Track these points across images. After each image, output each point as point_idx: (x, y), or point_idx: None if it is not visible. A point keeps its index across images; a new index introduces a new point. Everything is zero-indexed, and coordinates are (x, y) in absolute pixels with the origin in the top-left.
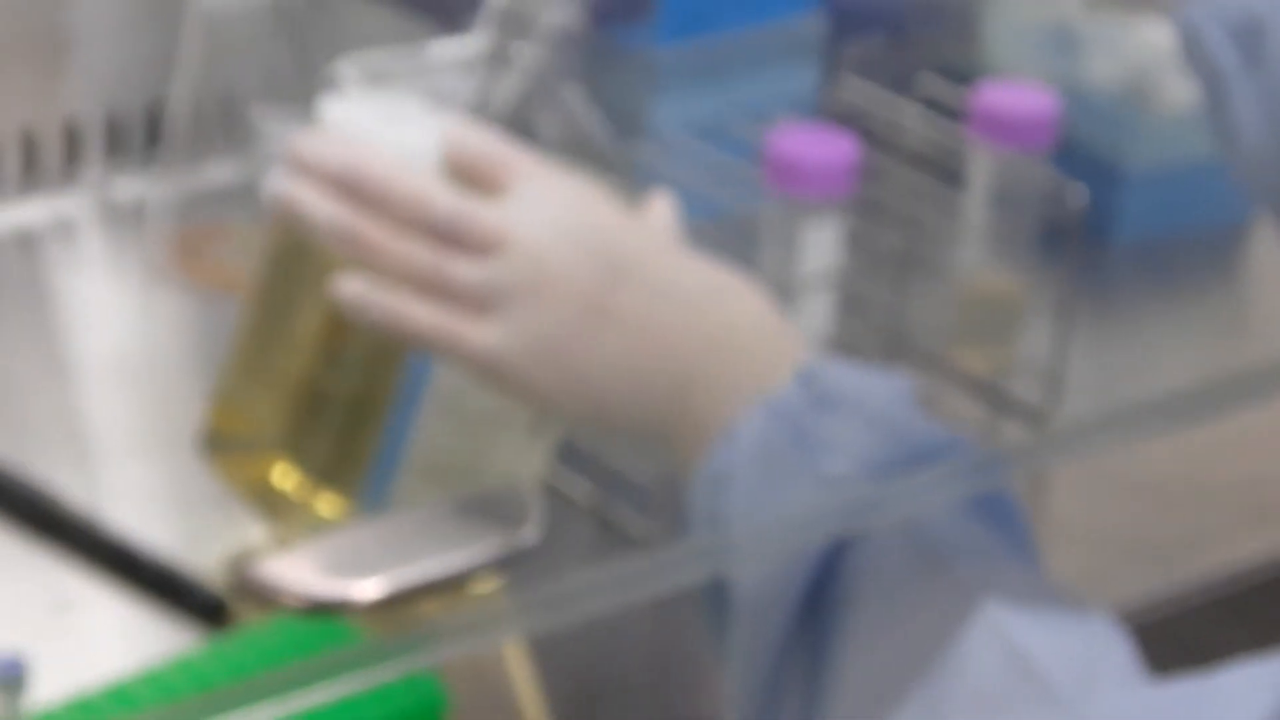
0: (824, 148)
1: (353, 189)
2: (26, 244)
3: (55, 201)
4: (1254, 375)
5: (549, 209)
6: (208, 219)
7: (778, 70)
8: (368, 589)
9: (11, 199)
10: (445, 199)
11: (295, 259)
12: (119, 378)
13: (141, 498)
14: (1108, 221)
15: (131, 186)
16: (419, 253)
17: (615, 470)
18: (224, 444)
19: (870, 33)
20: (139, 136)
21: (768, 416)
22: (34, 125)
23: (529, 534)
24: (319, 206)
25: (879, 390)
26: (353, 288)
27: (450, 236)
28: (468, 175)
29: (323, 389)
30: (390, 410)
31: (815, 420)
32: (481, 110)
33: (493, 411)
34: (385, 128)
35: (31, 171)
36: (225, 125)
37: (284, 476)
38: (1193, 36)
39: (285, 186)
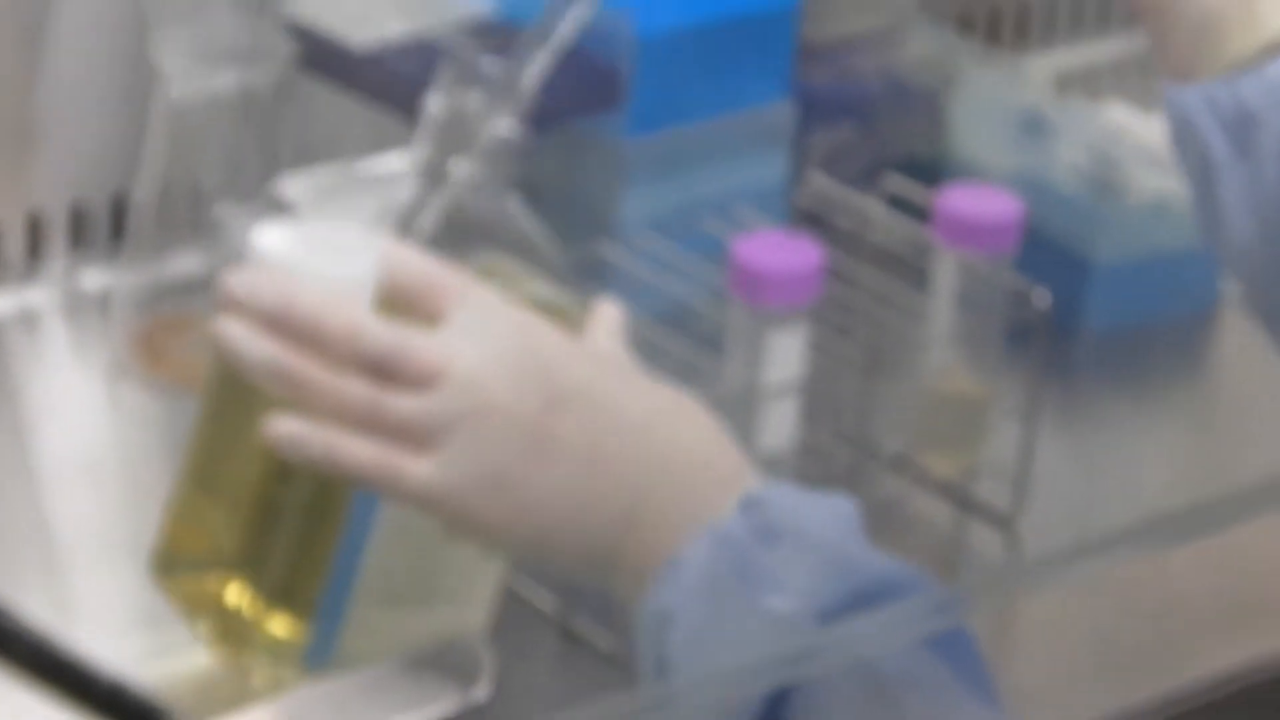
0: (789, 257)
1: (284, 326)
2: None
3: (19, 293)
4: (1223, 500)
5: (488, 337)
6: (173, 311)
7: (747, 159)
8: None
9: None
10: (379, 332)
11: (241, 374)
12: (83, 477)
13: (104, 608)
14: (1075, 312)
15: (96, 278)
16: (354, 388)
17: (579, 581)
18: (175, 565)
19: (838, 120)
20: (104, 228)
21: (711, 548)
22: None
23: (481, 689)
24: (251, 345)
25: (825, 519)
26: (287, 428)
27: (386, 370)
28: (404, 302)
29: (276, 505)
30: (344, 528)
31: (760, 552)
32: (412, 225)
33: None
34: (317, 257)
35: None
36: (191, 217)
37: (238, 596)
38: (1184, 125)
39: (218, 324)
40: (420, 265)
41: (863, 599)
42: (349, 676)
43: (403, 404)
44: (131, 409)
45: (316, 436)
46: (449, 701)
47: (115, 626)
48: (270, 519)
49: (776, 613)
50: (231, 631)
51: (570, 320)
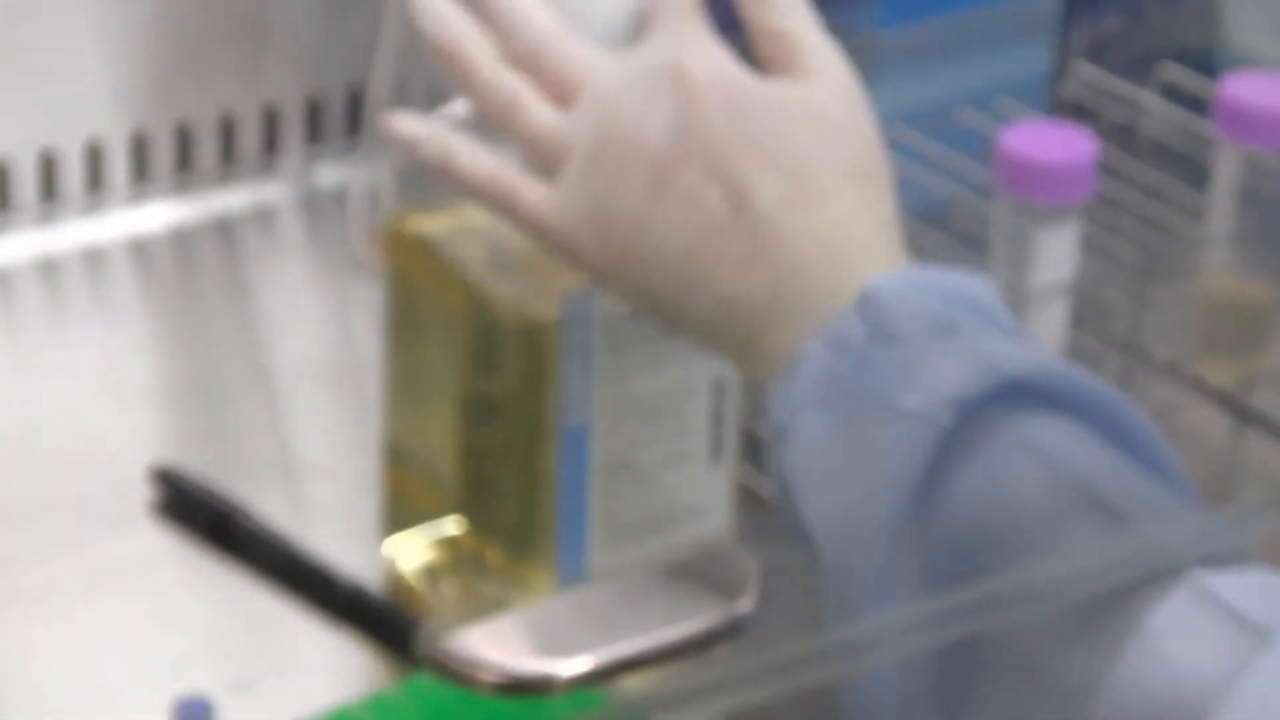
0: (1062, 148)
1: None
2: (225, 234)
3: (254, 189)
4: None
5: (645, 55)
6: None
7: (1006, 54)
8: (572, 666)
9: (210, 186)
10: (540, 19)
11: (414, 316)
12: (320, 382)
13: (341, 515)
14: None
15: (333, 173)
16: (502, 86)
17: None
18: (402, 523)
19: (1105, 12)
20: (340, 120)
21: (827, 351)
22: (232, 109)
23: (745, 603)
24: (432, 13)
25: (955, 309)
26: (406, 124)
27: (531, 65)
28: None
29: (480, 450)
30: (560, 473)
31: (880, 352)
32: None
33: (663, 453)
34: None
35: (230, 158)
36: (429, 107)
37: (474, 550)
38: None
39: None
40: None
41: (1012, 391)
42: (599, 587)
43: (537, 115)
44: (370, 309)
45: (435, 137)
46: (714, 613)
47: (351, 532)
48: (480, 466)
49: (905, 409)
50: (477, 590)
51: None
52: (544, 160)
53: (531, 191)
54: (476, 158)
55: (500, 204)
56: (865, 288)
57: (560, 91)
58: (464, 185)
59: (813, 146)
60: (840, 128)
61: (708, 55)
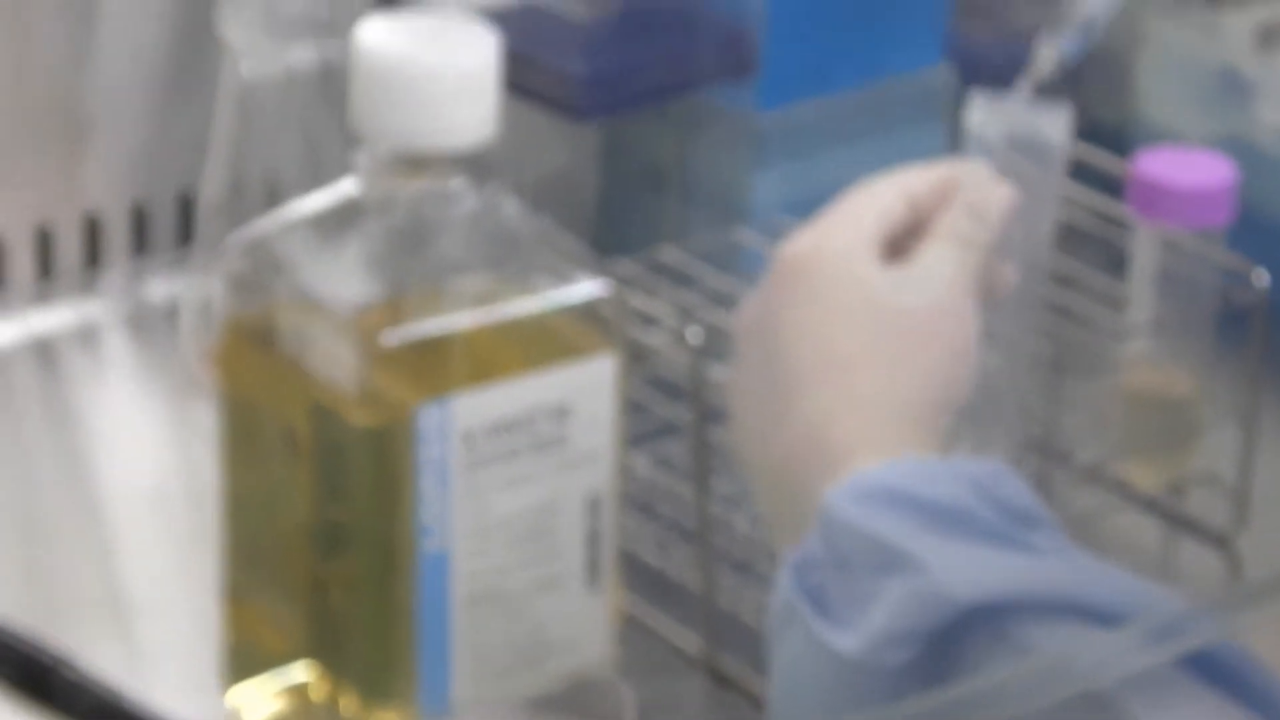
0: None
1: None
2: (45, 356)
3: (76, 306)
4: None
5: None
6: None
7: (899, 131)
8: None
9: (25, 304)
10: None
11: (251, 430)
12: (154, 514)
13: (179, 658)
14: None
15: (162, 287)
16: None
17: (729, 616)
18: (247, 668)
19: (1005, 83)
20: (169, 229)
21: (793, 574)
22: (50, 219)
23: None
24: None
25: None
26: None
27: None
28: None
29: (329, 583)
30: (418, 606)
31: (833, 577)
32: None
33: (533, 579)
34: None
35: (47, 272)
36: (266, 212)
37: (327, 697)
38: None
39: None
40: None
41: (968, 628)
42: None
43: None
44: (207, 433)
45: None
46: None
47: (191, 678)
48: (335, 606)
49: (836, 652)
50: None
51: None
52: None
53: None
54: None
55: None
56: (825, 512)
57: None
58: None
59: (859, 328)
60: (907, 319)
61: (815, 242)
